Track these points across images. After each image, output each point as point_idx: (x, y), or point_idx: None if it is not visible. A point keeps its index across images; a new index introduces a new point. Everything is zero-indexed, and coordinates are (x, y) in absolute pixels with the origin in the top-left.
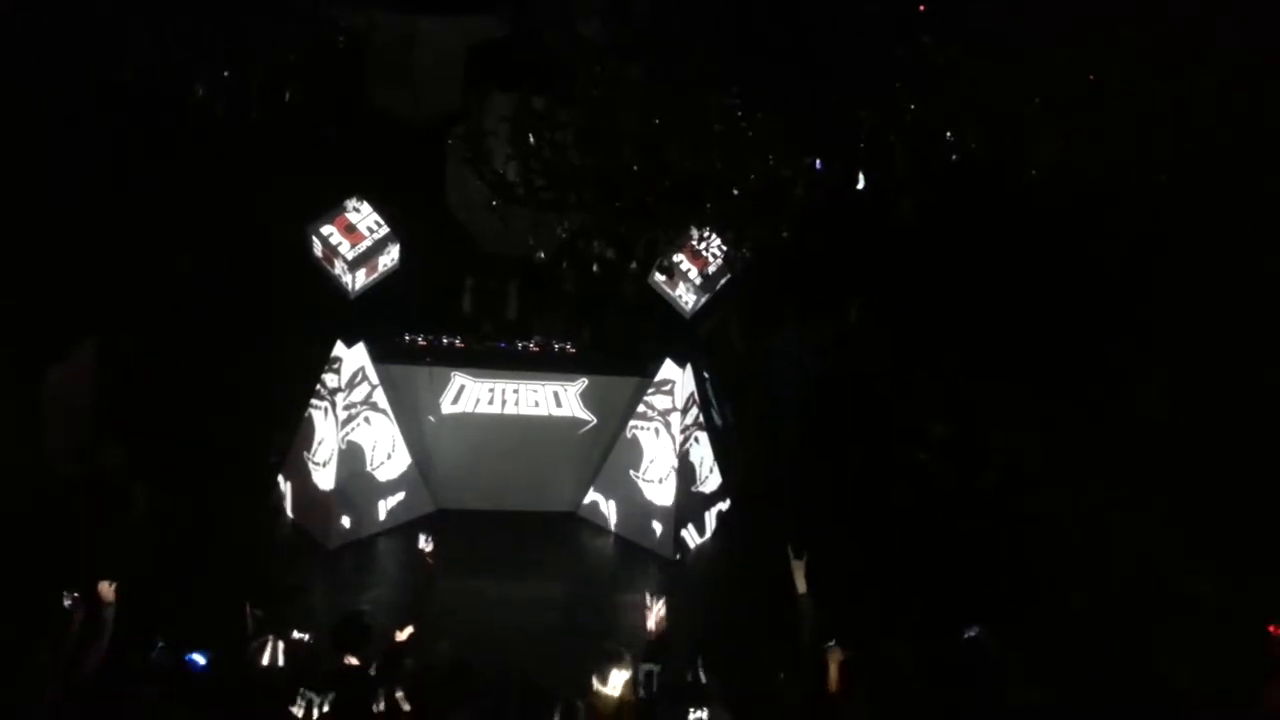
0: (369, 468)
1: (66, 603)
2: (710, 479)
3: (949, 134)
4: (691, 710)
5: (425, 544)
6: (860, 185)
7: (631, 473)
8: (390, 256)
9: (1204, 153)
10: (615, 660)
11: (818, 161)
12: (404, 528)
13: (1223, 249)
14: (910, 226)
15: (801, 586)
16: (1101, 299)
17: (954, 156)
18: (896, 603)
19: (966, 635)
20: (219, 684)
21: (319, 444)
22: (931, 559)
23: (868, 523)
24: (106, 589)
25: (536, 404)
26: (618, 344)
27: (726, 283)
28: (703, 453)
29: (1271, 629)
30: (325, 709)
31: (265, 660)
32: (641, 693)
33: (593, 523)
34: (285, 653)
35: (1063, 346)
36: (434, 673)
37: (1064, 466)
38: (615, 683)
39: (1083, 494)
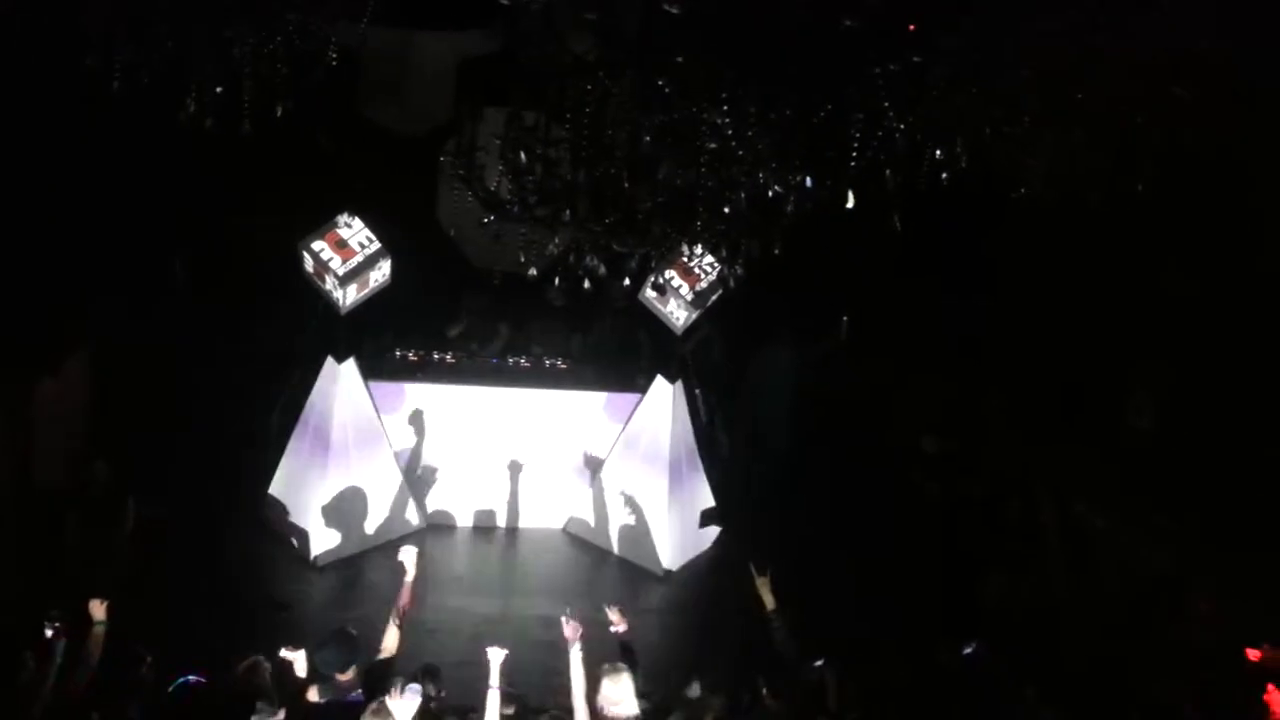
0: (358, 484)
1: (48, 632)
2: (701, 494)
3: (938, 152)
4: None
5: (407, 560)
6: (850, 204)
7: (622, 489)
8: (382, 272)
9: (1193, 163)
10: (618, 675)
11: (807, 179)
12: (392, 544)
13: (1214, 258)
14: (900, 241)
15: (770, 603)
16: (1093, 310)
17: (943, 175)
18: (886, 617)
19: (965, 651)
20: (204, 702)
21: (309, 460)
22: (921, 572)
23: (858, 537)
24: (97, 607)
25: (527, 419)
26: (609, 359)
27: (718, 299)
28: (694, 468)
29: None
30: None
31: (253, 678)
32: (646, 705)
33: (583, 539)
34: (273, 671)
35: (1054, 358)
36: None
37: (1056, 478)
38: (624, 697)
39: (1076, 506)
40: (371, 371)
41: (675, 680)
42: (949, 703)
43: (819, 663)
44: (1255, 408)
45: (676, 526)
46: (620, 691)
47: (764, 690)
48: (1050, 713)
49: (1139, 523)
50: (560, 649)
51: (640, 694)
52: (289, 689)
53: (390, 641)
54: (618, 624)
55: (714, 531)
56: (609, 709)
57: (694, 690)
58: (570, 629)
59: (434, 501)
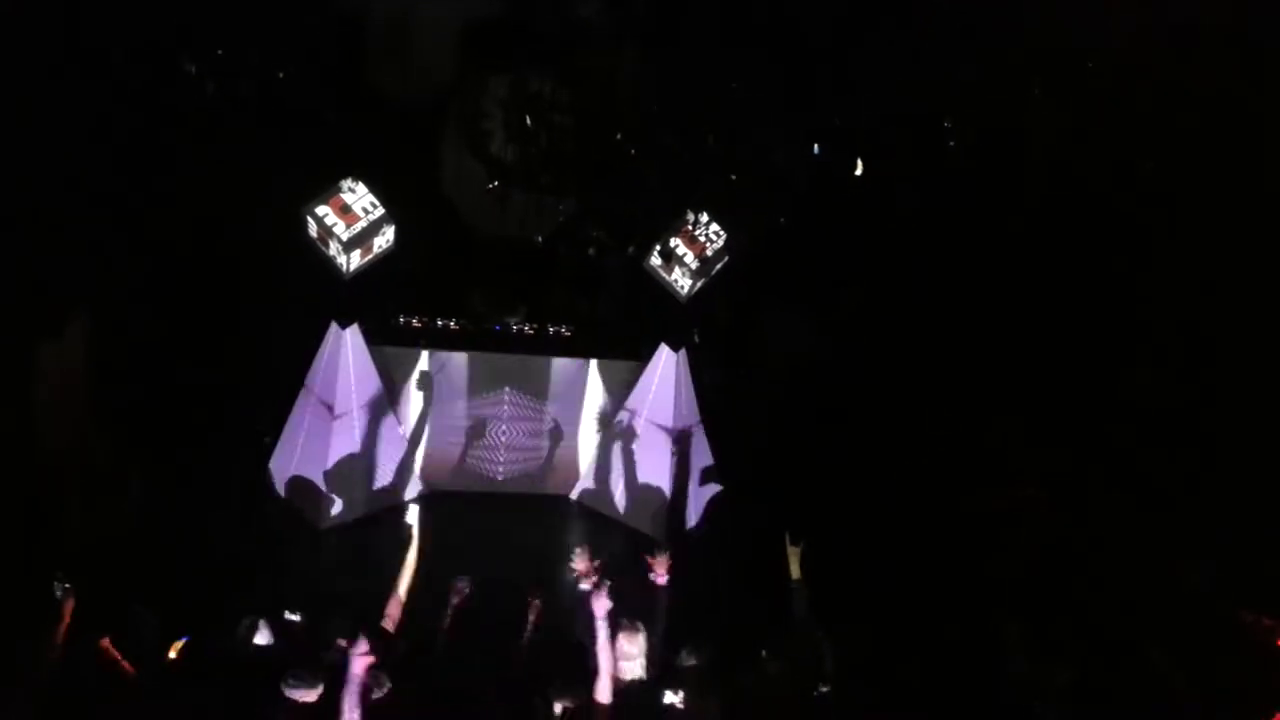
0: (361, 449)
1: (57, 592)
2: (705, 462)
3: (947, 123)
4: (666, 692)
5: (412, 524)
6: (859, 172)
7: (626, 456)
8: (385, 238)
9: (1200, 142)
10: (635, 634)
11: (815, 147)
12: (394, 509)
13: (1220, 241)
14: (909, 212)
15: (796, 574)
16: (1098, 290)
17: (951, 143)
18: (890, 590)
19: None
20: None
21: (311, 424)
22: (925, 547)
23: (861, 507)
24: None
25: (533, 385)
26: (613, 327)
27: (723, 268)
28: (698, 436)
29: (1265, 620)
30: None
31: (257, 640)
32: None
33: (587, 506)
34: (277, 633)
35: (1059, 335)
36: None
37: (1057, 456)
38: (636, 655)
39: (1076, 483)
40: (375, 337)
41: (676, 645)
42: (944, 671)
43: (818, 631)
44: (1258, 385)
45: (681, 493)
46: (633, 649)
47: (764, 654)
48: (1067, 673)
49: (1139, 497)
50: (571, 614)
51: (654, 657)
52: (297, 651)
53: (394, 609)
54: (659, 574)
55: (718, 498)
56: (621, 666)
57: (686, 658)
58: (583, 565)
59: (438, 467)
